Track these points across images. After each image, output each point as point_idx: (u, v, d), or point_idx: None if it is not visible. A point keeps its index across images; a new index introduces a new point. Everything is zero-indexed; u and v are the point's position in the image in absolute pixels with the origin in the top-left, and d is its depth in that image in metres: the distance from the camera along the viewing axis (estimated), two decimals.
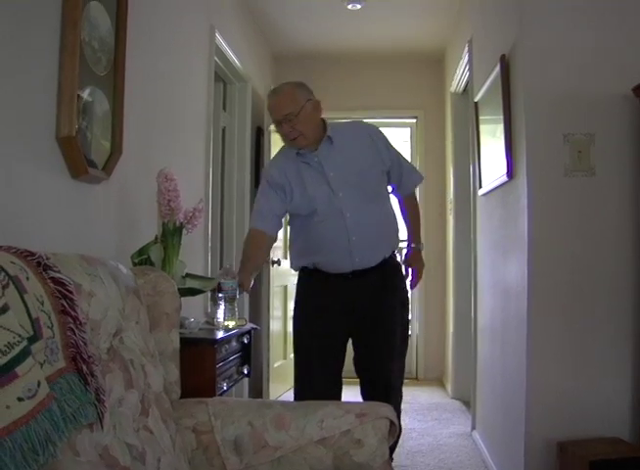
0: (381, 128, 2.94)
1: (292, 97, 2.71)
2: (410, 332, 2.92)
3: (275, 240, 2.98)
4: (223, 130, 4.86)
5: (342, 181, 2.75)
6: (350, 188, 2.75)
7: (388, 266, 2.84)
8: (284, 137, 2.79)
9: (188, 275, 2.61)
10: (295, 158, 2.80)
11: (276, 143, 5.13)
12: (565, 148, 2.81)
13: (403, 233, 3.00)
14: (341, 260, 2.75)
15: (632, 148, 2.76)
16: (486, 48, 3.80)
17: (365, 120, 3.11)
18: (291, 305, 5.69)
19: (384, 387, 2.78)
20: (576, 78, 2.82)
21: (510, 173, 3.11)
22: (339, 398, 2.81)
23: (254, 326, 2.89)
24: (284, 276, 5.46)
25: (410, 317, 2.93)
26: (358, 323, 2.80)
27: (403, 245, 3.07)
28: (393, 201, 2.99)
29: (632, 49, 2.80)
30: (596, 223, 2.81)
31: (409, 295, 2.95)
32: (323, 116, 2.82)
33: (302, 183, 2.79)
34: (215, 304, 2.64)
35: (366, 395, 2.81)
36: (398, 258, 2.98)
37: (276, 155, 3.01)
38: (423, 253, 3.09)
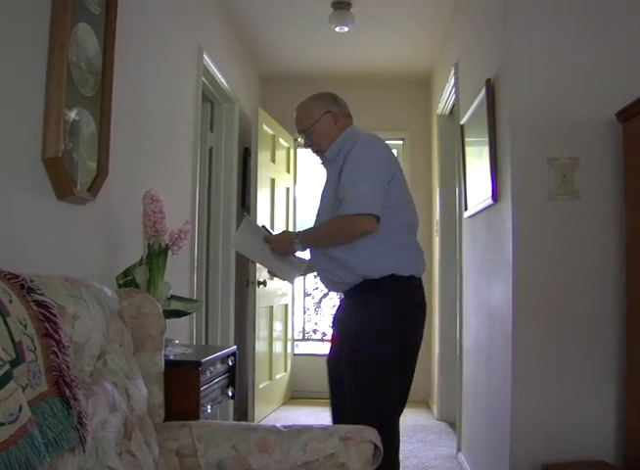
0: None
1: (308, 111, 2.70)
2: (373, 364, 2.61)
3: None
4: (210, 151, 4.87)
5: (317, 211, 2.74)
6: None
7: (353, 294, 2.58)
8: None
9: (173, 297, 2.60)
10: None
11: (262, 164, 5.15)
12: (549, 172, 2.83)
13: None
14: None
15: (616, 172, 2.79)
16: (472, 72, 3.84)
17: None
18: (276, 326, 5.69)
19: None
20: (561, 103, 2.86)
21: (495, 196, 3.13)
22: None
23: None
24: (269, 297, 5.44)
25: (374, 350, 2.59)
26: None
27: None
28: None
29: (616, 75, 2.83)
30: (580, 246, 2.83)
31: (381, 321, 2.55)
32: None
33: None
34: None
35: None
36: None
37: None
38: (297, 248, 2.64)
